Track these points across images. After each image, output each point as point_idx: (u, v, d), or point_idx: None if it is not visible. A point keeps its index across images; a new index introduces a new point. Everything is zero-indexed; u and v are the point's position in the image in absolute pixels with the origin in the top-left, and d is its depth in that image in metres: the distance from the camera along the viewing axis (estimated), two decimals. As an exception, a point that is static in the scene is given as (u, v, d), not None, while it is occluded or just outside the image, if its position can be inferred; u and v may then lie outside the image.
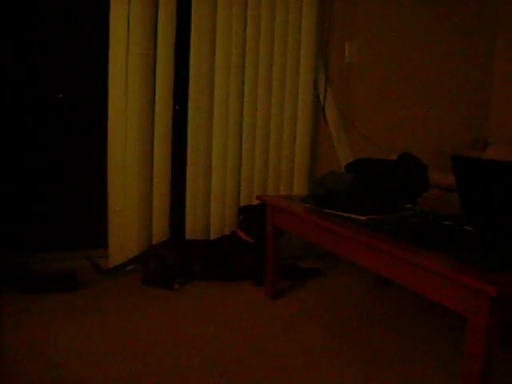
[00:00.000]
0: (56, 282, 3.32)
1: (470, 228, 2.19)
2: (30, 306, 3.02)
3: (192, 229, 3.90)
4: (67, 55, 4.02)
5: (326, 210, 2.72)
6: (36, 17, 3.93)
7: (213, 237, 3.91)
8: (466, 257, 1.84)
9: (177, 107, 3.86)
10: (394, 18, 4.40)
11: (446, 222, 2.31)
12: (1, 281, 3.32)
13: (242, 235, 3.66)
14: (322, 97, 4.20)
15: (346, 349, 2.61)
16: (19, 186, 4.02)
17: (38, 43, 3.95)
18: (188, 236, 3.90)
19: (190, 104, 3.78)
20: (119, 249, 3.69)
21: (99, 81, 3.66)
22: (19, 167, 4.01)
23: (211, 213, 3.94)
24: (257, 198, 3.44)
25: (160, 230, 3.79)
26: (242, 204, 3.96)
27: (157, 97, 3.67)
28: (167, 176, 3.78)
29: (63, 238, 4.05)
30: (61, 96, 4.10)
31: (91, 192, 3.97)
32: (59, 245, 3.95)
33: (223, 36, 3.78)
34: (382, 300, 3.36)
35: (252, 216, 3.66)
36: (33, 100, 4.00)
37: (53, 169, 4.13)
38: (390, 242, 2.09)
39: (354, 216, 2.56)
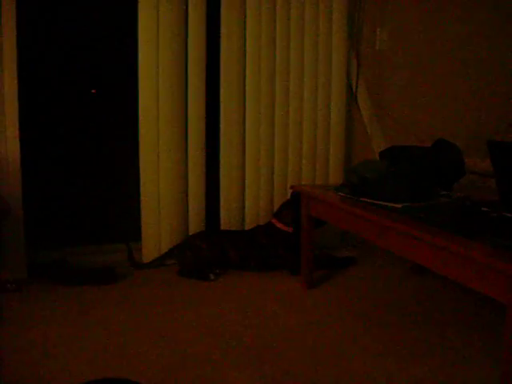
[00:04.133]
0: (94, 274, 3.37)
1: (508, 214, 2.16)
2: (66, 297, 3.07)
3: (227, 220, 3.92)
4: (100, 54, 4.07)
5: (361, 199, 2.70)
6: (71, 17, 3.98)
7: (247, 227, 3.92)
8: (504, 243, 1.81)
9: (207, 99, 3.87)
10: (425, 3, 4.33)
11: (483, 209, 2.28)
12: (39, 273, 3.39)
13: (280, 225, 3.66)
14: (354, 85, 4.17)
15: (380, 339, 2.60)
16: (58, 181, 4.09)
17: (72, 43, 4.00)
18: (223, 227, 3.92)
19: (222, 95, 3.79)
20: (154, 242, 3.72)
21: (132, 75, 3.69)
22: (57, 163, 4.08)
23: (245, 204, 3.95)
24: (291, 187, 3.44)
25: (196, 221, 3.82)
26: (276, 194, 3.97)
27: (189, 89, 3.68)
28: (202, 168, 3.80)
29: (101, 231, 4.11)
30: (94, 92, 4.15)
31: (127, 186, 4.01)
32: (97, 239, 4.00)
33: (253, 25, 3.77)
34: (419, 289, 3.34)
35: (289, 205, 3.65)
36: (67, 95, 4.06)
37: (89, 163, 4.20)
38: (427, 230, 2.07)
39: (389, 204, 2.54)
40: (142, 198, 3.71)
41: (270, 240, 3.63)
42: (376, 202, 2.61)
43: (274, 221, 3.71)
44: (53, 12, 3.94)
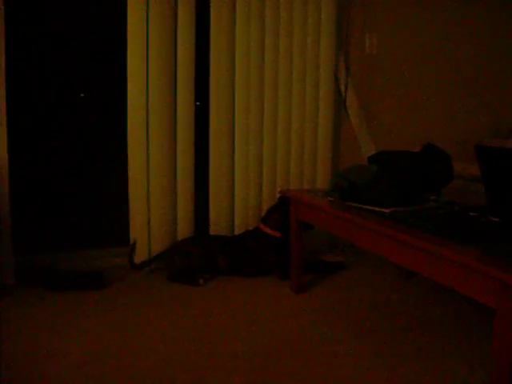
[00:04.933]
0: (82, 280, 3.35)
1: (495, 219, 2.17)
2: (54, 303, 3.05)
3: (216, 225, 3.91)
4: (88, 57, 4.06)
5: (350, 203, 2.71)
6: (58, 19, 3.97)
7: (237, 232, 3.92)
8: (493, 248, 1.82)
9: (197, 103, 3.87)
10: (414, 8, 4.36)
11: (471, 213, 2.29)
12: (26, 279, 3.36)
13: (267, 230, 3.66)
14: (343, 89, 4.18)
15: (370, 342, 2.61)
16: (46, 185, 4.07)
17: (59, 45, 3.99)
18: (212, 232, 3.91)
19: (211, 100, 3.79)
20: (143, 247, 3.71)
21: (120, 79, 3.67)
22: (44, 167, 4.06)
23: (235, 208, 3.95)
24: (280, 192, 3.45)
25: (185, 226, 3.81)
26: (264, 198, 3.97)
27: (178, 94, 3.68)
28: (191, 173, 3.79)
29: (88, 236, 4.09)
30: (82, 95, 4.14)
31: (115, 190, 4.00)
32: (84, 244, 3.98)
33: (242, 29, 3.78)
34: (407, 293, 3.35)
35: (277, 210, 3.66)
36: (56, 99, 4.04)
37: (76, 168, 4.18)
38: (415, 235, 2.07)
39: (378, 209, 2.55)
40: (130, 203, 3.69)
41: (259, 245, 3.63)
42: (365, 206, 2.62)
43: (261, 226, 3.71)
44: (40, 14, 3.92)
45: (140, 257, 3.69)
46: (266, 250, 3.62)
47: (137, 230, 3.70)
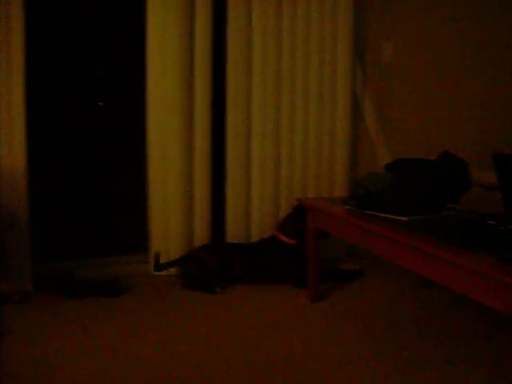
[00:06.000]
0: (99, 287, 3.37)
1: (514, 227, 2.15)
2: (71, 310, 3.07)
3: (232, 233, 3.92)
4: (108, 65, 4.10)
5: (367, 212, 2.70)
6: (81, 29, 4.01)
7: (253, 240, 3.92)
8: (510, 256, 1.80)
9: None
10: (431, 16, 4.35)
11: (489, 222, 2.27)
12: (45, 286, 3.39)
13: (283, 238, 3.65)
14: (360, 97, 4.18)
15: (386, 352, 2.59)
16: (64, 193, 4.10)
17: (79, 53, 4.03)
18: (229, 240, 3.91)
19: (228, 109, 3.81)
20: (161, 254, 3.72)
21: (140, 86, 3.70)
22: (62, 175, 4.09)
23: (251, 216, 3.95)
24: (297, 200, 3.44)
25: (201, 234, 3.82)
26: (282, 208, 3.97)
27: (196, 102, 3.70)
28: (208, 181, 3.81)
29: (106, 244, 4.11)
30: (101, 104, 4.17)
31: (133, 197, 4.02)
32: (102, 251, 4.00)
33: (260, 39, 3.80)
34: (425, 301, 3.32)
35: (293, 218, 3.66)
36: (75, 105, 4.08)
37: (96, 175, 4.21)
38: (432, 243, 2.06)
39: (395, 217, 2.53)
40: (149, 211, 3.72)
41: (274, 253, 3.62)
42: (382, 214, 2.61)
43: (277, 233, 3.70)
44: (59, 19, 3.96)
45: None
46: (283, 258, 3.61)
47: (157, 238, 3.72)
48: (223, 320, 2.98)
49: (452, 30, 4.42)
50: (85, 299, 3.25)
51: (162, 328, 2.85)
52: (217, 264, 3.54)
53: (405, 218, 2.49)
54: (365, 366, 2.44)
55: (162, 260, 3.66)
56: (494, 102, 4.59)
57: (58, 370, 2.35)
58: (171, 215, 3.71)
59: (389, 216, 2.57)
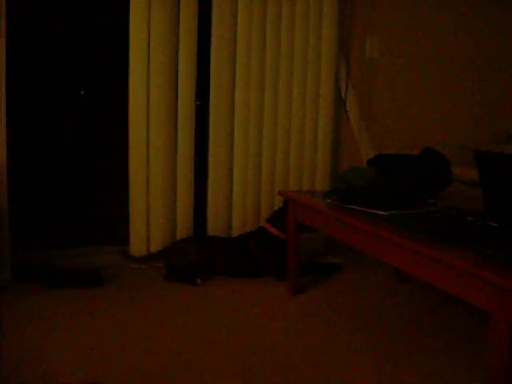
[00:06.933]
0: (80, 277, 3.35)
1: (493, 224, 2.17)
2: (52, 300, 3.05)
3: (214, 226, 3.91)
4: (89, 54, 4.06)
5: (348, 206, 2.71)
6: (61, 18, 3.97)
7: (234, 234, 3.92)
8: (489, 253, 1.82)
9: (197, 103, 3.87)
10: (415, 11, 4.36)
11: (469, 218, 2.29)
12: (23, 275, 3.36)
13: (272, 230, 3.65)
14: (343, 91, 4.19)
15: (366, 344, 2.61)
16: (44, 182, 4.07)
17: (60, 43, 3.99)
18: (210, 232, 3.91)
19: (211, 100, 3.80)
20: (142, 245, 3.71)
21: (122, 77, 3.67)
22: (43, 164, 4.06)
23: (233, 209, 3.95)
24: (279, 193, 3.45)
25: (183, 226, 3.81)
26: (262, 200, 3.97)
27: (179, 95, 3.68)
28: (190, 173, 3.80)
29: (85, 233, 4.09)
30: (82, 93, 4.14)
31: (113, 188, 4.00)
32: (82, 241, 3.98)
33: (244, 29, 3.78)
34: (404, 295, 3.35)
35: (285, 212, 3.64)
36: (55, 96, 4.04)
37: (76, 165, 4.18)
38: (411, 238, 2.08)
39: (375, 211, 2.55)
40: (130, 201, 3.69)
41: (261, 246, 3.61)
42: (363, 209, 2.62)
43: (267, 226, 3.69)
44: (40, 12, 3.92)
45: (140, 251, 3.71)
46: (269, 251, 3.60)
47: (136, 228, 3.70)
48: (202, 312, 2.97)
49: (437, 25, 4.43)
50: (65, 289, 3.23)
51: (141, 320, 2.84)
52: (198, 256, 3.53)
53: (385, 213, 2.50)
54: (342, 357, 2.45)
55: (144, 252, 3.65)
56: (477, 98, 4.63)
57: (38, 360, 2.34)
58: (152, 206, 3.70)
59: (369, 210, 2.58)
